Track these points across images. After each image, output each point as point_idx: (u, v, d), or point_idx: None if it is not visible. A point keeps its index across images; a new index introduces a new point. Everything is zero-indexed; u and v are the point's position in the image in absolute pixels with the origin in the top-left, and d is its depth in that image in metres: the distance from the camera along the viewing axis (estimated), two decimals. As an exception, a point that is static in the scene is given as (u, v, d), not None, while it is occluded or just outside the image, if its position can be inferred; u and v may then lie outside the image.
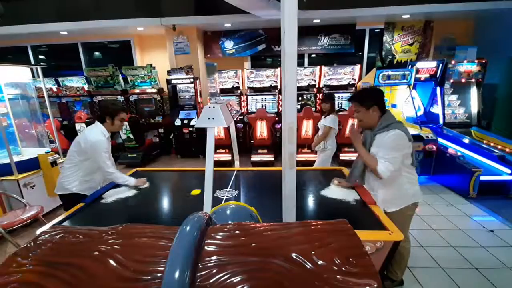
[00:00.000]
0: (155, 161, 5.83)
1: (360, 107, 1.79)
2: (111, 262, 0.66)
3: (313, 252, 0.68)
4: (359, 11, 5.08)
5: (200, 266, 0.64)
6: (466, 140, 4.20)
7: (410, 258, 2.44)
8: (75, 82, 6.17)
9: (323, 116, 3.47)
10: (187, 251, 0.64)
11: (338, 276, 0.62)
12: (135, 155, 5.48)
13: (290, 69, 1.15)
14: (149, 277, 0.62)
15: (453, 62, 4.70)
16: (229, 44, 6.22)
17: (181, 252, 0.63)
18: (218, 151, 5.18)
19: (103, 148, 2.21)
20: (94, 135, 2.22)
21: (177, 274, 0.58)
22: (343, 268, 0.63)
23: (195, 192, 2.28)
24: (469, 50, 5.24)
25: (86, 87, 6.03)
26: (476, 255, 2.52)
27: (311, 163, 4.07)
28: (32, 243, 0.75)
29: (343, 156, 4.96)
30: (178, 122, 5.62)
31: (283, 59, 1.15)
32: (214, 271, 0.64)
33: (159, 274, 0.62)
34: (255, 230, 0.81)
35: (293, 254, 0.67)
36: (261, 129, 5.07)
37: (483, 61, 4.68)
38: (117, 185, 2.51)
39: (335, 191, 2.22)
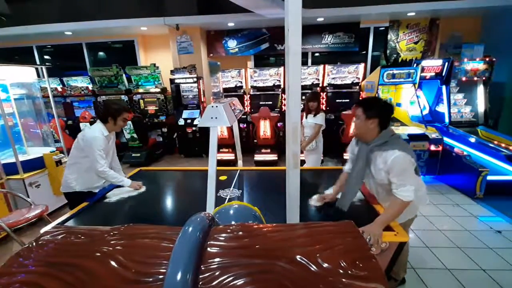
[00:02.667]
0: (158, 160, 5.85)
1: (361, 113, 1.67)
2: (113, 263, 0.66)
3: (318, 255, 0.67)
4: (363, 9, 5.03)
5: (203, 268, 0.63)
6: (472, 140, 4.14)
7: (415, 259, 2.43)
8: (80, 82, 6.21)
9: (310, 115, 3.38)
10: (189, 252, 0.63)
11: (344, 279, 0.60)
12: (138, 155, 5.50)
13: (295, 68, 1.13)
14: (150, 279, 0.61)
15: (459, 60, 4.63)
16: (232, 43, 6.21)
17: (183, 254, 0.62)
18: (221, 150, 5.17)
19: (97, 146, 2.18)
20: (92, 132, 2.21)
21: (179, 276, 0.57)
22: (349, 271, 0.62)
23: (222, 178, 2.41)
24: (475, 48, 5.16)
25: (90, 87, 6.07)
26: (483, 256, 2.47)
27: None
28: (34, 243, 0.75)
29: (347, 156, 4.90)
30: (181, 122, 5.63)
31: (287, 58, 1.13)
32: (217, 273, 0.62)
33: (160, 276, 0.61)
34: (259, 232, 0.79)
35: (298, 256, 0.66)
36: (265, 129, 5.05)
37: (490, 59, 4.60)
38: (119, 185, 2.51)
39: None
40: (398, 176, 1.58)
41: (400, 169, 1.57)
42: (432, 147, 4.06)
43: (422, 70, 4.63)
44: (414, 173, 1.63)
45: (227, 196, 2.22)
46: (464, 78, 4.71)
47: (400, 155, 1.56)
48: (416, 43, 5.82)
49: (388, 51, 5.89)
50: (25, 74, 3.81)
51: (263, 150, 5.08)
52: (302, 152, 3.53)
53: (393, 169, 1.58)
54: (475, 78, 4.71)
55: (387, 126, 1.68)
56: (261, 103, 5.61)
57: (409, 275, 2.25)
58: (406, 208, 1.62)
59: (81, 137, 2.23)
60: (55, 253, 0.71)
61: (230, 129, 4.81)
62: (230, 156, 5.18)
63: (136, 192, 2.37)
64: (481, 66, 4.63)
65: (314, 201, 2.00)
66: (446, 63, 4.60)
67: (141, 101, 6.01)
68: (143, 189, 2.41)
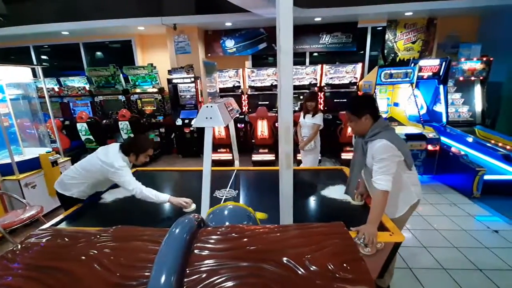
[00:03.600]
0: (156, 160, 5.83)
1: (353, 116, 1.76)
2: (97, 266, 0.64)
3: (307, 256, 0.66)
4: (361, 9, 5.02)
5: (188, 271, 0.62)
6: (469, 139, 4.14)
7: (412, 259, 2.43)
8: (77, 82, 6.19)
9: (308, 115, 3.37)
10: (174, 255, 0.62)
11: (331, 282, 0.59)
12: (136, 155, 5.48)
13: (286, 67, 1.12)
14: (134, 283, 0.60)
15: (456, 60, 4.63)
16: (230, 43, 6.20)
17: (168, 256, 0.61)
18: (218, 150, 5.16)
19: (127, 177, 2.05)
20: (120, 165, 2.04)
21: (162, 279, 0.56)
22: (337, 274, 0.61)
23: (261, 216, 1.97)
24: (473, 48, 5.16)
25: (87, 87, 6.05)
26: (480, 256, 2.47)
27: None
28: (19, 246, 0.74)
29: (344, 156, 4.92)
30: (179, 122, 5.62)
31: (279, 57, 1.12)
32: (203, 276, 0.61)
33: (145, 280, 0.60)
34: (248, 233, 0.78)
35: (285, 259, 0.65)
36: (262, 129, 5.04)
37: (488, 59, 4.61)
38: (116, 185, 2.49)
39: (335, 191, 2.19)
40: (377, 163, 1.64)
41: (380, 157, 1.62)
42: (430, 147, 4.06)
43: (420, 69, 4.64)
44: (394, 165, 1.63)
45: (223, 196, 2.21)
46: (461, 78, 4.71)
47: (384, 144, 1.62)
48: (413, 42, 5.82)
49: (385, 51, 5.89)
50: (21, 74, 3.79)
51: (260, 150, 5.07)
52: (299, 152, 3.53)
53: (375, 156, 1.65)
54: (473, 78, 4.72)
55: (378, 115, 1.76)
56: (259, 103, 5.60)
57: (405, 275, 2.25)
58: (395, 199, 1.64)
59: (108, 165, 2.03)
60: (39, 256, 0.70)
61: (228, 129, 4.80)
62: (228, 156, 5.16)
63: (129, 193, 2.18)
64: (478, 65, 4.64)
65: (356, 200, 2.03)
66: (444, 63, 4.61)
67: (139, 101, 6.00)
68: (193, 207, 2.05)
